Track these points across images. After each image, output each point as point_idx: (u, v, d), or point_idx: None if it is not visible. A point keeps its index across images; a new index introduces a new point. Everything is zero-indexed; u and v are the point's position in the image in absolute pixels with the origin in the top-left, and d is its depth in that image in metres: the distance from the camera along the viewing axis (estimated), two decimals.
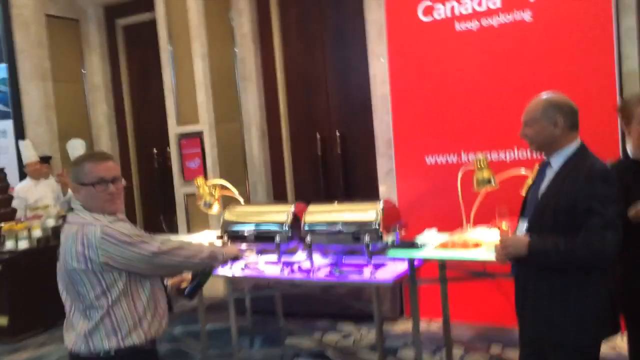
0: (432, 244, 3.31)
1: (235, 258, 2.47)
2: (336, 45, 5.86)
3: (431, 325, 4.35)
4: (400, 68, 4.64)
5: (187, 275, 2.33)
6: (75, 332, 2.07)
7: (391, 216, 3.41)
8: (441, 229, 3.56)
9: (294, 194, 6.24)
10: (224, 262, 2.38)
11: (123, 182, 2.20)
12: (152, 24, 6.37)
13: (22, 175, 6.44)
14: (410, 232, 3.53)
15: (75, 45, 7.28)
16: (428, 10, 4.49)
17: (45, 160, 6.33)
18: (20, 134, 6.75)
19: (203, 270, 2.32)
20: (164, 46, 6.13)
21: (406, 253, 3.23)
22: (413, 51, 4.57)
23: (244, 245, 3.85)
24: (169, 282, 2.37)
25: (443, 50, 4.44)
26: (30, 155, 6.06)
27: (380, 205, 3.39)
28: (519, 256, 2.17)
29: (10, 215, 5.52)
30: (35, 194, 5.89)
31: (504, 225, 2.33)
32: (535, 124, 2.24)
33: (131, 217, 7.37)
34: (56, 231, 5.47)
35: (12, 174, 6.27)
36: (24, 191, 5.83)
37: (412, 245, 3.33)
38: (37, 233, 5.24)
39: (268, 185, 6.36)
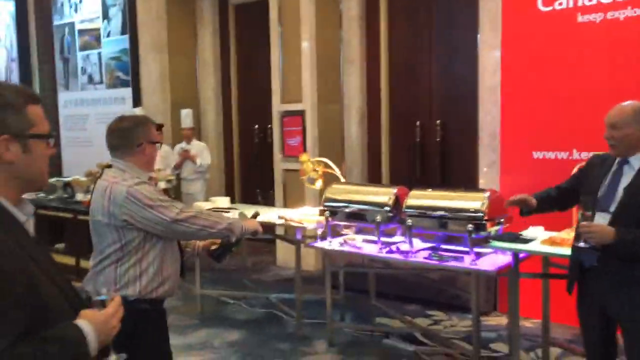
0: (538, 239, 3.27)
1: (255, 232, 2.48)
2: (444, 32, 5.81)
3: (525, 322, 4.28)
4: (514, 59, 4.54)
5: (217, 240, 2.42)
6: (89, 273, 2.30)
7: (497, 207, 3.40)
8: (547, 227, 3.49)
9: (389, 179, 6.29)
10: (242, 235, 2.40)
11: None
12: (262, 4, 6.60)
13: None
14: (513, 227, 3.50)
15: (190, 21, 7.69)
16: (549, 0, 4.36)
17: (158, 127, 6.76)
18: (137, 101, 7.26)
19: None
20: (274, 26, 6.34)
21: (512, 245, 3.21)
22: (528, 42, 4.46)
23: (343, 223, 3.99)
24: (200, 244, 2.50)
25: (561, 42, 4.30)
26: (186, 121, 6.51)
27: (487, 194, 3.39)
28: (601, 243, 2.33)
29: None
30: None
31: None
32: (626, 127, 2.41)
33: (229, 189, 7.77)
34: (166, 193, 5.88)
35: None
36: None
37: (517, 238, 3.30)
38: None
39: (363, 168, 6.45)
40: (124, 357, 1.40)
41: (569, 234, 3.18)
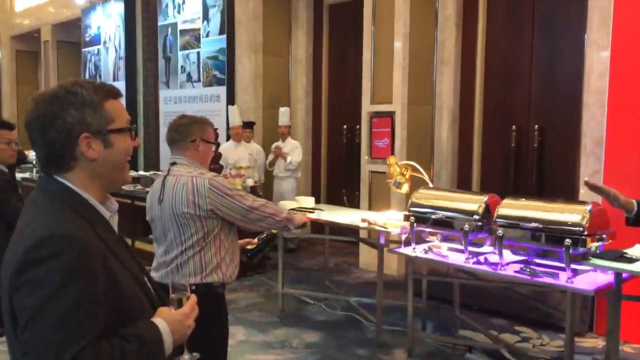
0: None
1: (303, 225, 2.70)
2: (547, 32, 5.48)
3: (624, 346, 3.94)
4: (625, 61, 4.18)
5: (254, 240, 2.54)
6: (167, 267, 2.38)
7: (599, 222, 3.13)
8: None
9: (480, 186, 6.04)
10: (295, 228, 2.61)
11: None
12: (356, 4, 6.56)
13: (228, 137, 7.15)
14: (617, 244, 3.20)
15: (285, 21, 7.81)
16: None
17: (249, 125, 6.95)
18: (231, 99, 7.48)
19: (267, 237, 2.51)
20: (367, 26, 6.28)
21: (614, 264, 2.94)
22: None
23: (428, 229, 3.86)
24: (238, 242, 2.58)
25: None
26: (235, 119, 6.70)
27: (588, 207, 3.13)
28: None
29: (217, 171, 6.15)
30: (234, 155, 6.52)
31: None
32: None
33: (316, 188, 7.81)
34: (254, 190, 6.00)
35: (221, 135, 6.95)
36: (225, 151, 6.47)
37: (621, 256, 3.02)
38: None
39: (453, 173, 6.24)
40: (196, 356, 1.40)
41: None
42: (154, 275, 2.44)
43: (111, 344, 1.16)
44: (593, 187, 2.62)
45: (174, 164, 2.48)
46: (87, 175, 1.29)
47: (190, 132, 2.46)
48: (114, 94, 1.33)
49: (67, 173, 1.27)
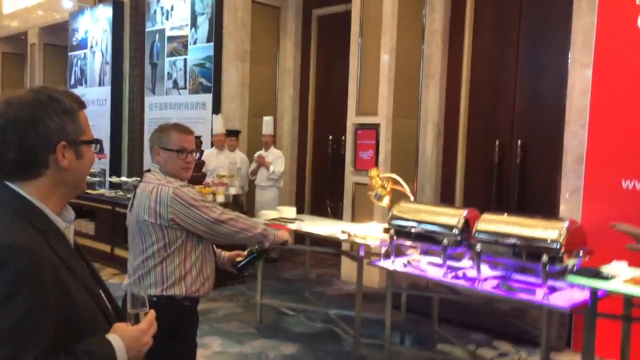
0: (621, 277, 2.98)
1: (284, 243, 2.58)
2: (532, 49, 5.53)
3: None
4: (606, 80, 4.22)
5: (243, 252, 2.49)
6: (131, 276, 2.34)
7: (576, 239, 3.14)
8: (633, 263, 3.18)
9: (462, 200, 6.05)
10: (274, 244, 2.51)
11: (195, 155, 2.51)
12: (345, 15, 6.59)
13: (212, 144, 7.12)
14: (594, 261, 3.21)
15: (274, 31, 7.82)
16: None
17: (234, 133, 6.92)
18: (216, 107, 7.45)
19: (258, 249, 2.46)
20: (354, 37, 6.30)
21: (590, 282, 2.95)
22: (624, 62, 4.13)
23: (408, 243, 3.85)
24: (225, 254, 2.54)
25: None
26: (218, 127, 6.67)
27: (565, 224, 3.13)
28: None
29: (200, 179, 6.11)
30: (214, 163, 6.48)
31: None
32: None
33: (300, 198, 7.78)
34: (237, 199, 5.97)
35: (205, 143, 6.92)
36: (207, 158, 6.43)
37: (597, 274, 3.02)
38: (220, 199, 5.74)
39: (437, 187, 6.25)
40: None
41: None
42: (125, 282, 2.40)
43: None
44: (622, 231, 2.53)
45: (148, 171, 2.45)
46: (50, 184, 1.25)
47: (152, 140, 2.43)
48: (83, 104, 1.32)
49: (29, 181, 1.23)
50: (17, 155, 1.21)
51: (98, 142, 1.35)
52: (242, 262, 2.48)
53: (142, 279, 2.31)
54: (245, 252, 2.50)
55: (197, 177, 5.81)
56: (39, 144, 1.22)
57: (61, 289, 1.16)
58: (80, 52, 9.87)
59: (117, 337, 1.24)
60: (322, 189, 7.55)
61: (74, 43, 10.03)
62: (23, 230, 1.17)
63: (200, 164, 6.02)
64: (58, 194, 1.27)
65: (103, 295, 1.36)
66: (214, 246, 2.50)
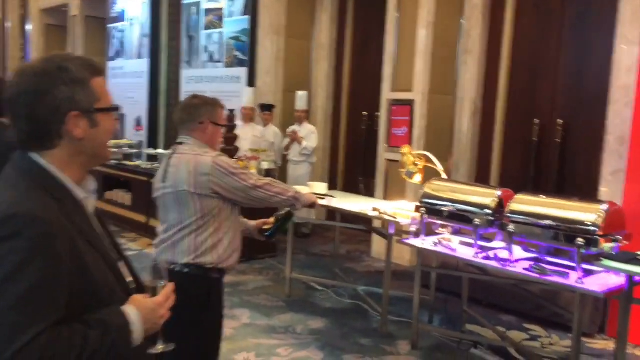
0: None
1: (312, 205, 2.64)
2: (577, 25, 5.30)
3: (636, 350, 3.84)
4: None
5: (270, 219, 2.53)
6: (164, 243, 2.36)
7: (614, 222, 3.02)
8: None
9: (498, 179, 5.92)
10: (302, 206, 2.58)
11: None
12: None
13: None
14: (633, 246, 3.10)
15: (310, 4, 7.71)
16: None
17: (268, 108, 6.91)
18: (251, 81, 7.44)
19: (285, 215, 2.50)
20: (391, 11, 6.16)
21: (626, 267, 2.84)
22: None
23: (439, 222, 3.79)
24: (253, 223, 2.57)
25: None
26: (247, 100, 6.64)
27: (604, 207, 3.02)
28: None
29: (234, 152, 6.14)
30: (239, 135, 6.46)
31: None
32: None
33: (333, 174, 7.76)
34: (269, 173, 5.98)
35: (238, 116, 6.93)
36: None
37: (634, 259, 2.92)
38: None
39: (472, 165, 6.12)
40: (171, 347, 1.37)
41: None
42: (154, 252, 2.44)
43: (73, 329, 1.11)
44: None
45: (180, 143, 2.46)
46: (68, 154, 1.25)
47: (199, 113, 2.43)
48: (99, 71, 1.29)
49: (47, 151, 1.23)
50: (29, 126, 1.22)
51: (115, 109, 1.33)
52: (271, 230, 2.53)
53: (175, 245, 2.34)
54: (272, 219, 2.53)
55: (230, 150, 5.84)
56: (48, 115, 1.21)
57: (76, 259, 1.16)
58: (119, 25, 9.98)
59: (134, 308, 1.24)
60: (355, 165, 7.50)
61: (113, 15, 10.13)
62: (39, 200, 1.17)
63: (233, 137, 6.04)
64: (77, 163, 1.27)
65: (124, 266, 1.37)
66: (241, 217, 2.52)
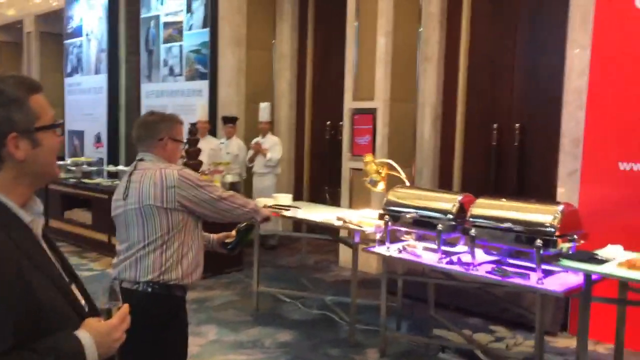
0: (615, 260, 2.94)
1: (267, 219, 2.62)
2: (530, 31, 5.45)
3: (597, 346, 3.93)
4: (604, 61, 4.15)
5: (230, 233, 2.53)
6: (126, 261, 2.29)
7: (571, 222, 3.10)
8: (628, 247, 3.14)
9: (461, 184, 6.01)
10: (261, 219, 2.56)
11: None
12: None
13: (211, 132, 7.07)
14: (589, 245, 3.18)
15: (270, 15, 7.72)
16: None
17: (231, 120, 6.87)
18: (213, 94, 7.39)
19: (246, 228, 2.51)
20: (350, 21, 6.22)
21: (583, 265, 2.91)
22: (622, 43, 4.05)
23: (403, 228, 3.81)
24: (214, 237, 2.56)
25: None
26: (201, 114, 6.59)
27: (560, 208, 3.09)
28: None
29: (198, 166, 6.08)
30: None
31: None
32: None
33: (298, 184, 7.75)
34: (234, 187, 5.93)
35: None
36: None
37: (591, 258, 2.99)
38: None
39: (434, 171, 6.20)
40: None
41: None
42: (113, 272, 2.37)
43: (21, 359, 1.07)
44: None
45: (141, 160, 2.42)
46: (12, 177, 1.20)
47: (158, 130, 2.39)
48: (36, 88, 1.25)
49: None
50: None
51: (57, 125, 1.28)
52: (233, 242, 2.52)
53: (139, 262, 2.27)
54: (234, 232, 2.52)
55: (194, 165, 5.78)
56: None
57: (24, 285, 1.12)
58: (76, 40, 9.79)
59: (87, 333, 1.20)
60: (320, 175, 7.51)
61: (70, 31, 9.95)
62: None
63: (197, 151, 5.98)
64: (22, 186, 1.23)
65: (76, 288, 1.32)
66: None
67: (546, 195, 4.88)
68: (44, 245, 1.28)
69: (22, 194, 1.23)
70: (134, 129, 2.46)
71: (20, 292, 1.11)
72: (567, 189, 4.55)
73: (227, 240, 2.53)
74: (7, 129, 1.18)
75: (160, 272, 2.25)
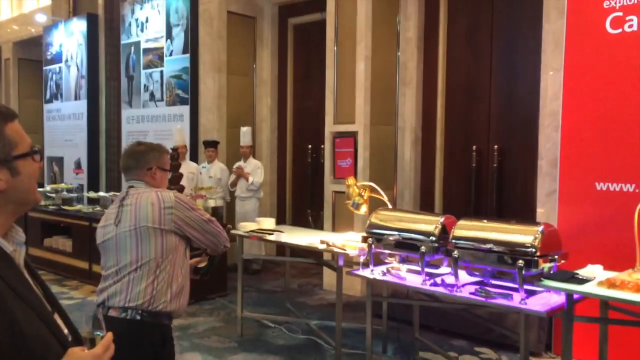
0: (596, 279, 2.99)
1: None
2: (505, 54, 5.58)
3: None
4: (577, 83, 4.27)
5: (204, 258, 2.57)
6: (116, 285, 2.27)
7: (551, 242, 3.15)
8: (608, 266, 3.20)
9: (442, 205, 6.08)
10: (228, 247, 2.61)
11: None
12: (321, 24, 6.60)
13: (193, 157, 7.07)
14: (570, 264, 3.23)
15: (250, 41, 7.80)
16: (618, 22, 4.07)
17: (213, 144, 6.88)
18: (194, 119, 7.40)
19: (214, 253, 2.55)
20: (330, 46, 6.31)
21: (564, 285, 2.96)
22: (594, 66, 4.18)
23: (386, 251, 3.83)
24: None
25: (630, 66, 4.00)
26: (177, 139, 6.58)
27: (540, 228, 3.15)
28: None
29: (180, 191, 6.05)
30: None
31: None
32: None
33: (281, 208, 7.74)
34: (216, 212, 5.91)
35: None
36: None
37: (572, 277, 3.04)
38: None
39: (416, 193, 6.27)
40: None
41: (630, 276, 2.90)
42: (98, 297, 2.35)
43: None
44: None
45: (131, 187, 2.43)
46: None
47: (147, 160, 2.43)
48: (12, 116, 1.24)
49: None
50: None
51: (35, 152, 1.27)
52: (206, 268, 2.56)
53: (130, 285, 2.25)
54: (206, 258, 2.57)
55: (177, 189, 5.74)
56: None
57: (8, 315, 1.12)
58: (55, 66, 9.76)
59: None
60: (303, 198, 7.53)
61: (49, 57, 9.91)
62: None
63: (179, 176, 5.96)
64: (4, 214, 1.22)
65: (59, 318, 1.31)
66: None
67: (526, 215, 4.96)
68: (27, 275, 1.27)
69: (4, 224, 1.23)
70: (122, 159, 2.48)
71: (4, 323, 1.11)
72: (546, 209, 4.64)
73: (200, 265, 2.56)
74: None
75: (152, 296, 2.25)
